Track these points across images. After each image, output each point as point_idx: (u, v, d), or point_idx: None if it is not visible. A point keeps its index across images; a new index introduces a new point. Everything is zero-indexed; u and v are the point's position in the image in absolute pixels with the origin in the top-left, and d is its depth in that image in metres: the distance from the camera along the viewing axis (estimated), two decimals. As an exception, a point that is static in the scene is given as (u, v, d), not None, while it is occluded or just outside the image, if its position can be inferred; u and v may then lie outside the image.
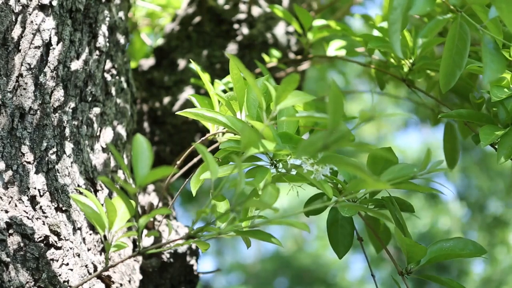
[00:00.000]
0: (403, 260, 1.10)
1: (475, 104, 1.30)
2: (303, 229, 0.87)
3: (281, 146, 1.01)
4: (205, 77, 1.21)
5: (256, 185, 0.95)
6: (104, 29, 1.32)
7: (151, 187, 1.52)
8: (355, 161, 0.83)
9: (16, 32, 1.13)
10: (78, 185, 1.18)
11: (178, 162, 1.24)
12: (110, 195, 1.28)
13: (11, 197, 1.05)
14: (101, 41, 1.31)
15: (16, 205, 1.04)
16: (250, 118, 1.04)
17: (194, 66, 1.24)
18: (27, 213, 1.05)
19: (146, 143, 0.86)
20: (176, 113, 1.12)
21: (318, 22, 1.62)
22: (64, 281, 1.05)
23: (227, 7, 1.84)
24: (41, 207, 1.08)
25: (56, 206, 1.11)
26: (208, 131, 1.20)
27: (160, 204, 1.48)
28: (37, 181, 1.09)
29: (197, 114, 1.07)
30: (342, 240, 1.11)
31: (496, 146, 1.15)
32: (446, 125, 1.48)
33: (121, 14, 1.43)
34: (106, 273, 1.18)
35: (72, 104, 1.21)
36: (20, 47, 1.13)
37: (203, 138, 1.18)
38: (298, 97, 0.95)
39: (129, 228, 1.22)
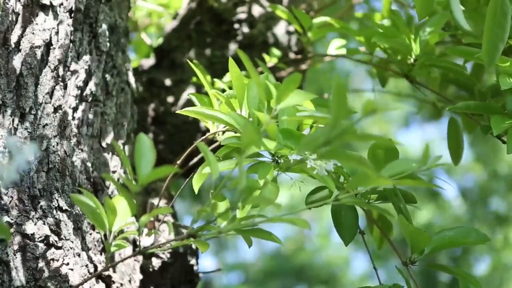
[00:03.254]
0: (405, 254, 1.10)
1: (481, 94, 1.28)
2: (303, 227, 0.86)
3: (283, 144, 1.01)
4: (203, 76, 1.21)
5: (258, 182, 0.95)
6: (104, 29, 1.32)
7: (151, 187, 1.52)
8: (358, 155, 0.82)
9: (16, 32, 1.13)
10: (79, 185, 1.18)
11: (178, 162, 1.24)
12: (110, 194, 1.28)
13: (11, 197, 1.04)
14: (101, 41, 1.31)
15: (16, 205, 1.04)
16: (254, 111, 1.03)
17: (192, 65, 1.23)
18: (27, 213, 1.05)
19: (149, 142, 0.86)
20: (176, 111, 1.11)
21: (319, 19, 1.61)
22: (65, 281, 1.05)
23: (227, 6, 1.84)
24: (41, 207, 1.07)
25: (56, 206, 1.10)
26: (208, 131, 1.20)
27: (161, 204, 1.48)
28: (37, 181, 1.09)
29: (197, 113, 1.07)
30: (346, 228, 1.11)
31: (504, 138, 1.13)
32: (450, 120, 1.45)
33: (121, 14, 1.43)
34: (106, 273, 1.18)
35: (72, 104, 1.21)
36: (20, 47, 1.12)
37: (203, 138, 1.18)
38: (300, 96, 0.94)
39: (130, 228, 1.22)
